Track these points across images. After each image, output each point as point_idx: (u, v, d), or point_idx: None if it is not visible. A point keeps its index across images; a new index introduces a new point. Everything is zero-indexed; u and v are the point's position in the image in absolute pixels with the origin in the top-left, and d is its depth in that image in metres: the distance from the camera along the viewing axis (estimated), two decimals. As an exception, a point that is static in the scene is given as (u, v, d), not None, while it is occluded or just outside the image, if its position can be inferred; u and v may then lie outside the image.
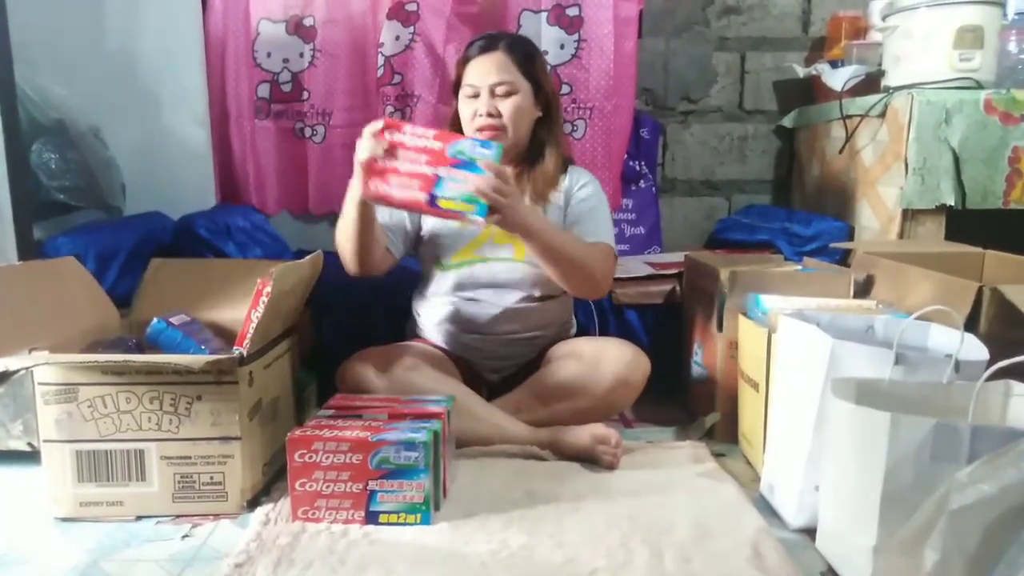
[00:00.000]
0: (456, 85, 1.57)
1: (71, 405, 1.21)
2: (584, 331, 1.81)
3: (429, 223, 1.59)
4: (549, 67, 2.13)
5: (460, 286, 1.58)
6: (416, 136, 1.27)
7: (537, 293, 1.57)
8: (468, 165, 1.26)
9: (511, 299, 1.56)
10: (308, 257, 1.43)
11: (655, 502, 1.26)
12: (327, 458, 1.16)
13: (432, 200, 1.25)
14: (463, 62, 1.55)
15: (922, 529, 0.79)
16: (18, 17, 1.48)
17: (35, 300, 1.30)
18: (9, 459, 1.44)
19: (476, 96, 1.51)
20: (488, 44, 1.53)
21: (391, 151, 1.26)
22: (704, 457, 1.46)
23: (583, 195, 1.58)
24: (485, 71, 1.50)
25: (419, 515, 1.17)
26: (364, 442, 1.15)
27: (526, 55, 1.53)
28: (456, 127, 1.57)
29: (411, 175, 1.26)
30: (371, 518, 1.17)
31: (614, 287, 1.86)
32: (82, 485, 1.23)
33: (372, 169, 1.26)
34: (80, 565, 1.10)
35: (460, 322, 1.59)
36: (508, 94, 1.50)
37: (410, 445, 1.15)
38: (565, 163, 1.62)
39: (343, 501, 1.17)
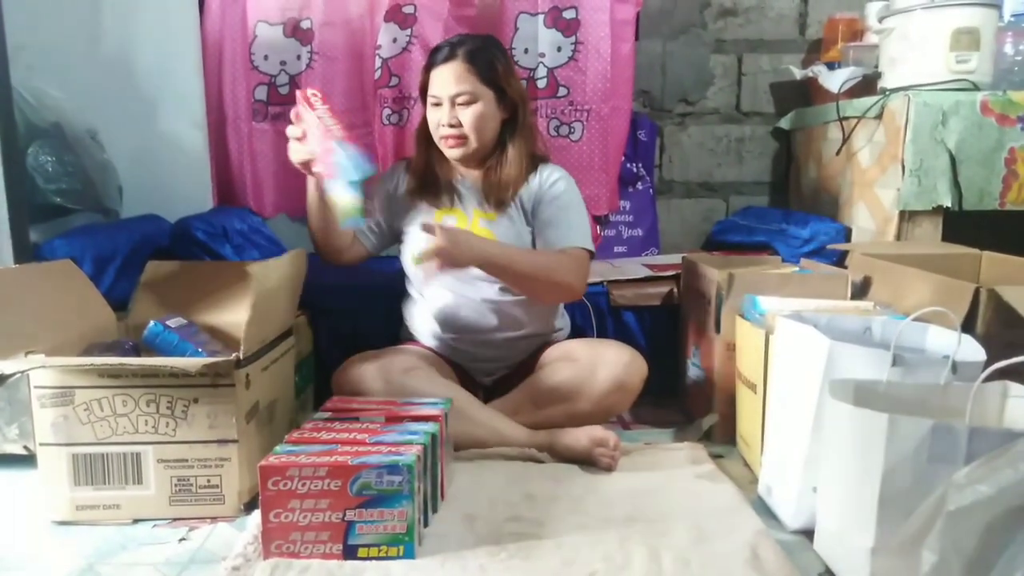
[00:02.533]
0: (423, 90, 1.59)
1: (67, 408, 1.21)
2: (581, 333, 1.81)
3: (403, 220, 1.63)
4: (546, 69, 2.15)
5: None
6: (305, 482, 1.07)
7: (511, 291, 1.56)
8: (378, 501, 1.08)
9: (484, 293, 1.56)
10: (287, 254, 1.42)
11: (653, 504, 1.26)
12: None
13: (349, 551, 1.09)
14: (427, 69, 1.56)
15: (920, 530, 0.79)
16: (15, 20, 1.47)
17: (31, 303, 1.30)
18: (5, 463, 1.44)
19: (439, 105, 1.53)
20: (449, 53, 1.52)
21: (283, 504, 1.08)
22: (702, 459, 1.46)
23: (554, 194, 1.58)
24: (445, 81, 1.51)
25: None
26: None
27: (487, 63, 1.53)
28: (425, 131, 1.59)
29: (316, 527, 1.09)
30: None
31: (611, 289, 1.86)
32: (78, 488, 1.23)
33: (270, 529, 1.09)
34: (77, 569, 1.10)
35: (442, 320, 1.59)
36: (468, 103, 1.51)
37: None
38: (536, 160, 1.62)
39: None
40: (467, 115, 1.51)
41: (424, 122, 1.60)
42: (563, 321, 1.74)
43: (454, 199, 1.61)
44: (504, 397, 1.56)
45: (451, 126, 1.52)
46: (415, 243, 1.56)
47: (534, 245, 1.58)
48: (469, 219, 1.59)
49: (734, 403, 1.52)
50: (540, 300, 1.59)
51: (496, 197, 1.57)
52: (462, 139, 1.53)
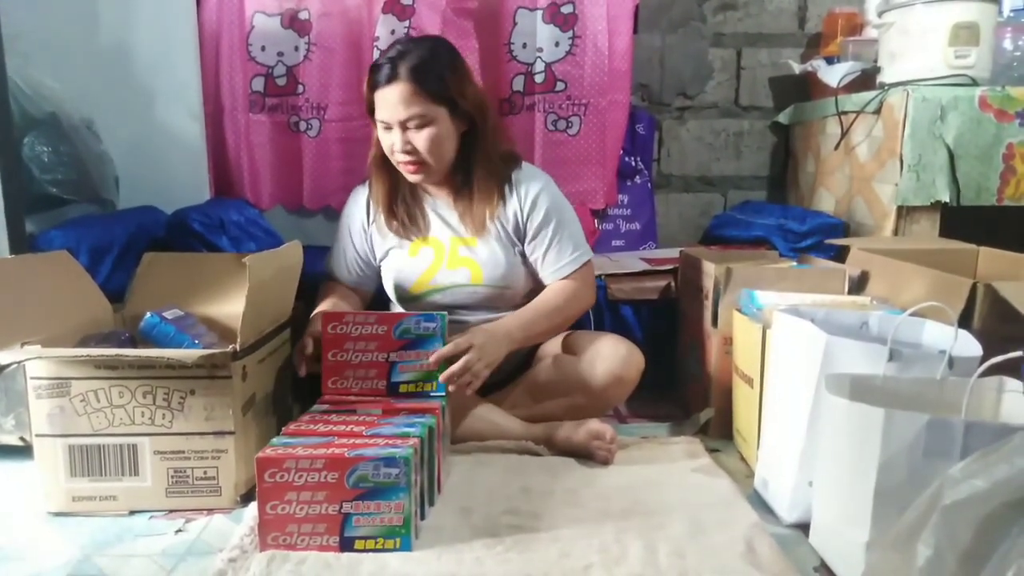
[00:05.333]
0: (369, 108, 1.47)
1: (63, 399, 1.21)
2: (579, 327, 1.80)
3: (379, 253, 1.60)
4: (543, 64, 2.14)
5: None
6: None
7: (505, 308, 1.54)
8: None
9: (479, 317, 1.53)
10: (283, 246, 1.41)
11: (649, 497, 1.27)
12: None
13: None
14: (371, 88, 1.43)
15: (915, 524, 0.79)
16: (10, 9, 1.47)
17: (27, 294, 1.30)
18: (1, 454, 1.44)
19: (390, 129, 1.43)
20: (390, 72, 1.39)
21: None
22: (698, 453, 1.46)
23: (539, 216, 1.50)
24: (392, 106, 1.39)
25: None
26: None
27: (434, 77, 1.40)
28: (382, 155, 1.50)
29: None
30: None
31: (609, 283, 1.86)
32: (75, 480, 1.23)
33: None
34: (73, 560, 1.10)
35: None
36: (421, 127, 1.40)
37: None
38: (507, 166, 1.53)
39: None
40: (421, 139, 1.41)
41: (379, 146, 1.49)
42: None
43: (428, 227, 1.55)
44: (502, 391, 1.56)
45: (406, 152, 1.42)
46: (395, 273, 1.56)
47: (523, 261, 1.55)
48: (447, 248, 1.53)
49: (731, 397, 1.52)
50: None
51: (473, 225, 1.51)
52: (420, 164, 1.44)
